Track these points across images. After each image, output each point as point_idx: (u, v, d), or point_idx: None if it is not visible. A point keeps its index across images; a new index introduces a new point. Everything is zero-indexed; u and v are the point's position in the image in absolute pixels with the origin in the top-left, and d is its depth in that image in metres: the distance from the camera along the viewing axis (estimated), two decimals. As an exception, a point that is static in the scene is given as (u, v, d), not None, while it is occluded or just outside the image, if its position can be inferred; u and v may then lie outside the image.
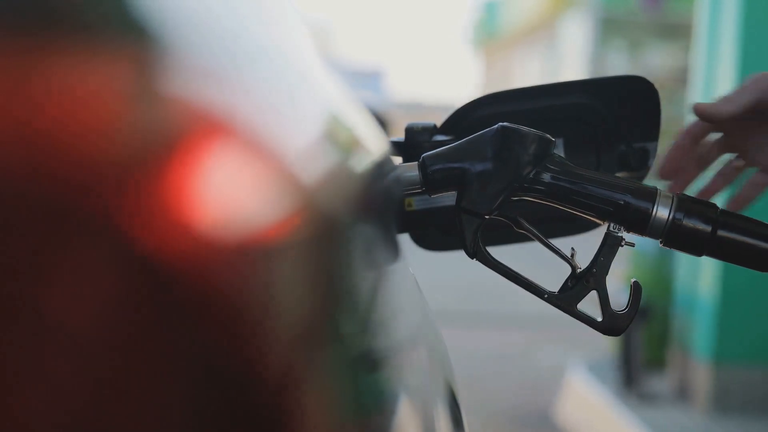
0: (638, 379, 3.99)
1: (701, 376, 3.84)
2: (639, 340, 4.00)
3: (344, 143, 0.60)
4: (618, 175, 0.95)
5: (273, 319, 0.33)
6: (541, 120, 0.95)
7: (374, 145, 0.72)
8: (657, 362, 4.21)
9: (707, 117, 0.89)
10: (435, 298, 7.62)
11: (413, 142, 0.96)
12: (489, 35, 25.43)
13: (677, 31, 14.34)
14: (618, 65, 16.45)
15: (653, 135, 0.98)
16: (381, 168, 0.71)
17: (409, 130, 0.97)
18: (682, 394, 3.98)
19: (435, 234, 1.05)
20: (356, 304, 0.47)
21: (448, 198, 0.96)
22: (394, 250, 0.80)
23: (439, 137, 0.96)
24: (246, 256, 0.32)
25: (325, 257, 0.41)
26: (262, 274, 0.33)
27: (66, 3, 0.30)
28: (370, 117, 0.87)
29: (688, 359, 3.97)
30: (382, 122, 1.77)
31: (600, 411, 4.00)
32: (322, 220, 0.42)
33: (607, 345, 4.61)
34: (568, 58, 18.47)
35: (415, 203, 0.98)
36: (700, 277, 3.94)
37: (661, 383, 4.15)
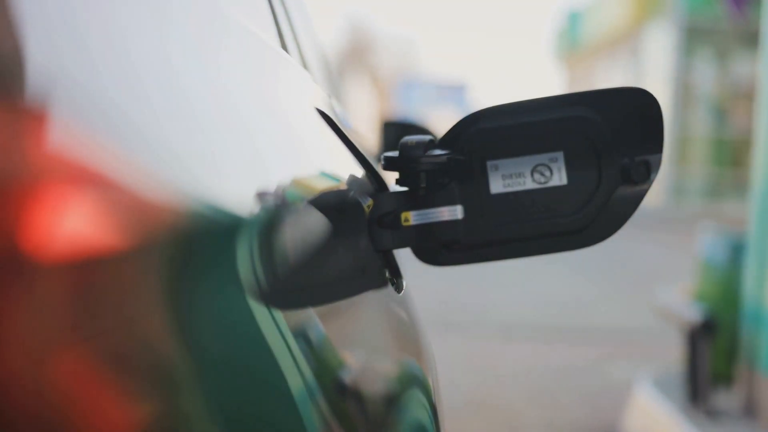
0: (705, 395, 3.93)
1: (769, 392, 3.76)
2: (706, 355, 3.94)
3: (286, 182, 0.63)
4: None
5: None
6: (542, 133, 0.96)
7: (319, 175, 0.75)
8: (724, 378, 4.13)
9: None
10: (516, 312, 7.57)
11: (407, 157, 0.97)
12: (572, 46, 25.16)
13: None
14: (703, 75, 16.09)
15: (655, 147, 0.97)
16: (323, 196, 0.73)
17: (404, 145, 0.98)
18: (750, 410, 3.89)
19: (437, 248, 1.06)
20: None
21: (448, 213, 0.98)
22: (359, 269, 0.82)
23: (437, 151, 0.97)
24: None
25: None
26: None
27: None
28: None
29: (756, 375, 3.89)
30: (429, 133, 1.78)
31: (666, 427, 3.94)
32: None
33: (676, 360, 4.54)
34: (652, 68, 18.17)
35: (413, 218, 0.99)
36: (768, 291, 3.86)
37: (728, 399, 4.07)
